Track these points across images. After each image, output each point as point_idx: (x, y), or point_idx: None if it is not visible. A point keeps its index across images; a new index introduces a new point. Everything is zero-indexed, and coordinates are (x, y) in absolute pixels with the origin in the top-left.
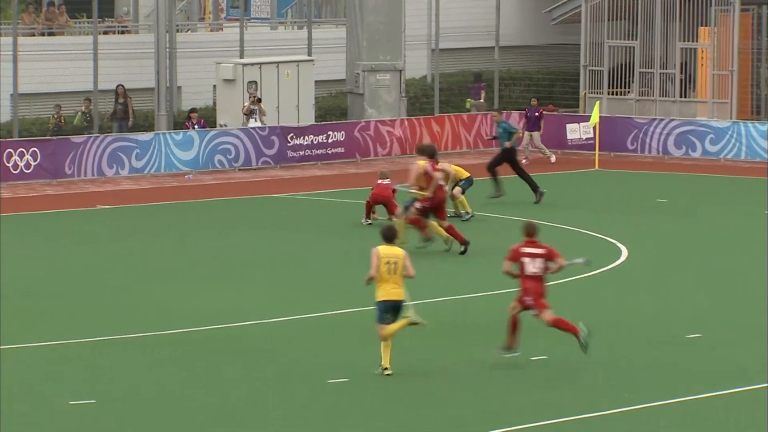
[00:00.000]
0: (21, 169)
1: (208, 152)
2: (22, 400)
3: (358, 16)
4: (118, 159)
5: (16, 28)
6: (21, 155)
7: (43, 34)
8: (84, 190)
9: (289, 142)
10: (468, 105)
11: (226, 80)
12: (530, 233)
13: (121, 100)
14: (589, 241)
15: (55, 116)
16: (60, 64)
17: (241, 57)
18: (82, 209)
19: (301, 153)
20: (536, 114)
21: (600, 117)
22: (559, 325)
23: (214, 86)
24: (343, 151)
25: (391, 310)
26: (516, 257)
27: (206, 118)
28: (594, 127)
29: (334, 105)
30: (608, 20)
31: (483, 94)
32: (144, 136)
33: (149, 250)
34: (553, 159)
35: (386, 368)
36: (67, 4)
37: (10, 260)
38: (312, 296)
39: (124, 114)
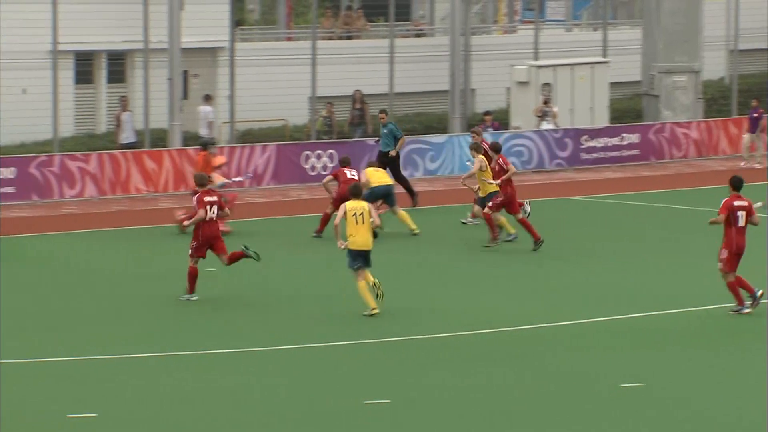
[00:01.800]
0: (318, 172)
1: None
2: (321, 397)
3: (655, 17)
4: (413, 161)
5: (315, 31)
6: (318, 157)
7: (341, 38)
8: None
9: (583, 144)
10: None
11: (519, 82)
12: (202, 183)
13: (357, 106)
14: None
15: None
16: (356, 67)
17: (536, 59)
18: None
19: (595, 155)
20: (755, 115)
21: None
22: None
23: (508, 88)
24: (637, 153)
25: (361, 257)
26: (201, 205)
27: (500, 121)
28: None
29: (628, 107)
30: None
31: None
32: (438, 139)
33: (436, 253)
34: (742, 164)
35: (374, 308)
36: (365, 8)
37: (310, 261)
38: (607, 300)
39: (361, 120)
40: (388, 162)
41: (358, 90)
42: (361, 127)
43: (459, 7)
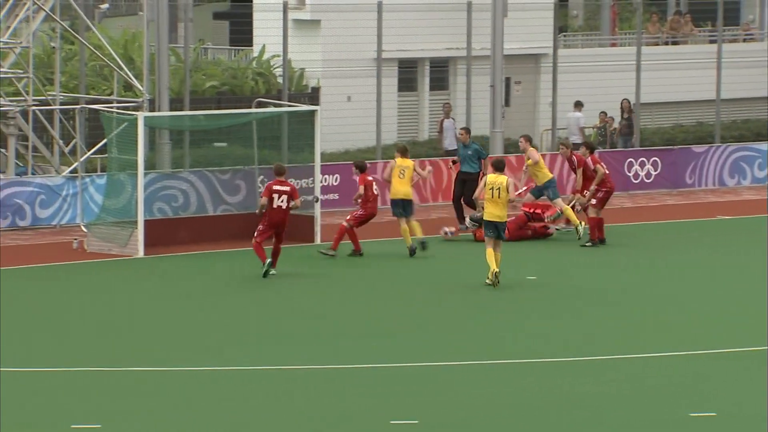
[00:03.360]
0: (642, 179)
1: None
2: (645, 408)
3: None
4: (740, 169)
5: (640, 37)
6: (642, 165)
7: (666, 43)
8: (703, 200)
9: None
10: None
11: None
12: (279, 172)
13: (625, 116)
14: None
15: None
16: (681, 73)
17: None
18: (700, 220)
19: None
20: None
21: None
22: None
23: None
24: None
25: (493, 227)
26: (266, 192)
27: None
28: None
29: None
30: None
31: None
32: (767, 146)
33: (753, 263)
34: None
35: (497, 271)
36: (693, 13)
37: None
38: None
39: (629, 130)
40: (470, 183)
41: (626, 99)
42: (629, 137)
43: None
